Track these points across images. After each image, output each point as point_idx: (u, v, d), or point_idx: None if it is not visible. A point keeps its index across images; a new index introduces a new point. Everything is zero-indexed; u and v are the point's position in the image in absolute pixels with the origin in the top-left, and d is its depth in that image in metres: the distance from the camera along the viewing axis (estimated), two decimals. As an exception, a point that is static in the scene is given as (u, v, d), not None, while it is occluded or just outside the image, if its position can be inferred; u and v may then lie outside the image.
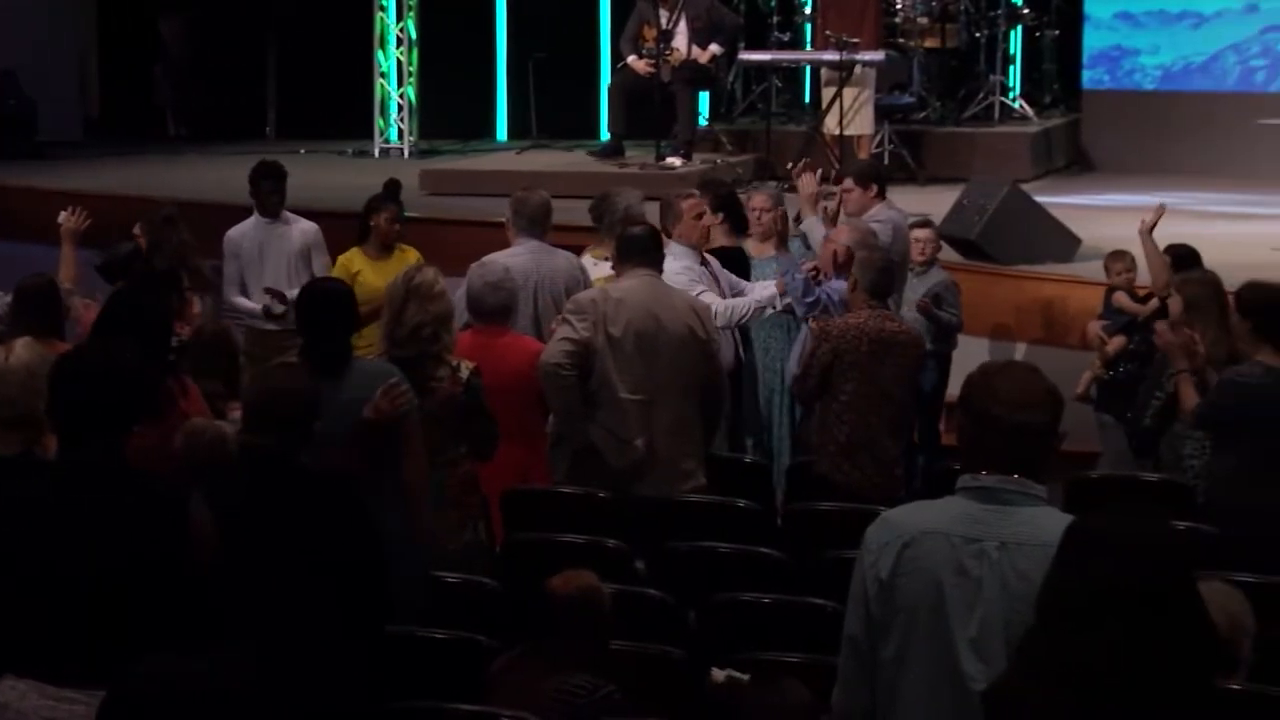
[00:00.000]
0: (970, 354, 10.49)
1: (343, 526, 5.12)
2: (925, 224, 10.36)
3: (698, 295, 8.44)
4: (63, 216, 9.03)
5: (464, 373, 6.91)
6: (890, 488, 7.88)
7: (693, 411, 7.70)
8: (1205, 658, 3.32)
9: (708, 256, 8.99)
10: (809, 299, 8.46)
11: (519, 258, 8.54)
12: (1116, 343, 9.38)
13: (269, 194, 10.29)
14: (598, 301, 7.65)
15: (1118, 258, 9.68)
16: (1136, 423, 8.07)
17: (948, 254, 11.44)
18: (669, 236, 8.80)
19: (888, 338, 7.92)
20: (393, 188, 10.34)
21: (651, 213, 9.09)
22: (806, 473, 8.20)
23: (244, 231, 10.28)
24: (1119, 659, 3.22)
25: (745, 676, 5.44)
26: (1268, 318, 7.26)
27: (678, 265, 8.65)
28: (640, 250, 7.81)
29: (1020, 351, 10.88)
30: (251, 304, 10.04)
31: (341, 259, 9.96)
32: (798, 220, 9.84)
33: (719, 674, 5.54)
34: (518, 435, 7.67)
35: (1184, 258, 8.92)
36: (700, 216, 8.86)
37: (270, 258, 10.18)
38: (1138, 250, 9.23)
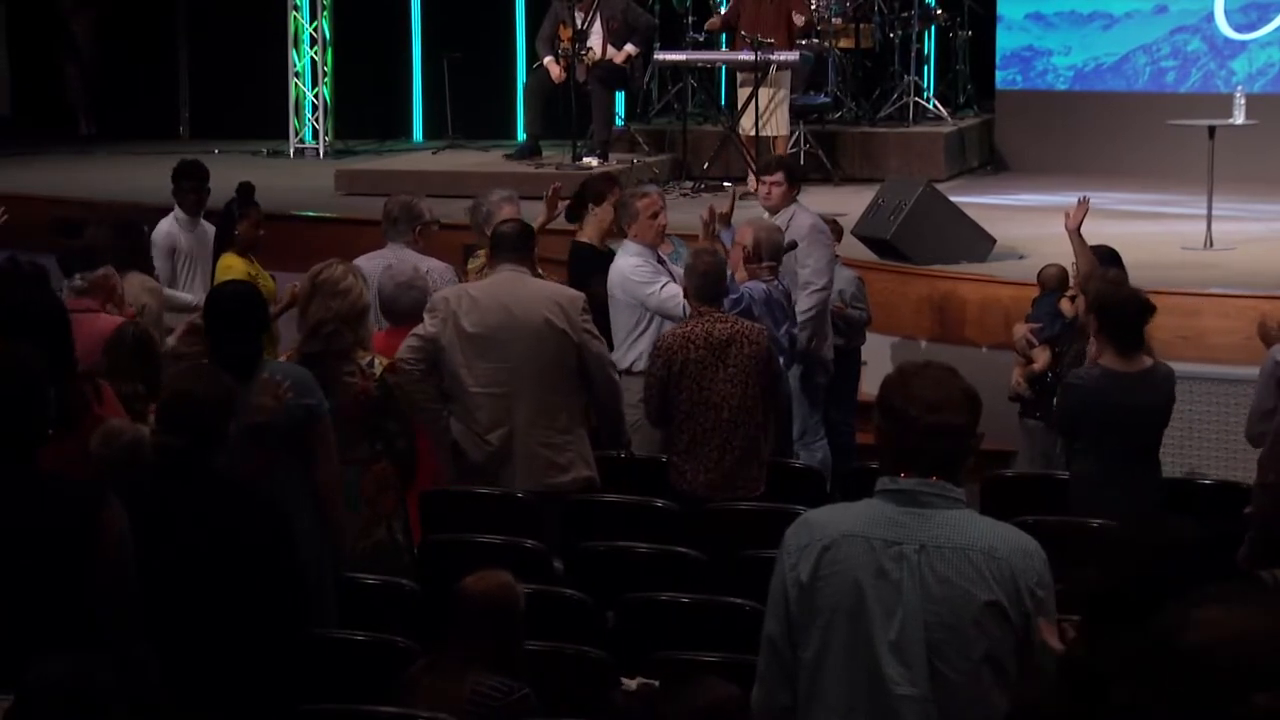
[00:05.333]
0: (883, 353, 10.57)
1: (254, 529, 5.09)
2: (828, 221, 10.35)
3: (660, 288, 8.52)
4: None
5: (376, 369, 6.87)
6: (745, 484, 7.86)
7: (563, 404, 7.70)
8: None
9: (663, 255, 9.08)
10: (734, 295, 8.48)
11: (371, 260, 8.73)
12: (1043, 358, 9.35)
13: (186, 193, 10.21)
14: (449, 299, 7.73)
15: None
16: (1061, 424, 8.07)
17: (863, 252, 11.50)
18: (624, 234, 8.92)
19: (720, 339, 7.86)
20: (246, 191, 10.12)
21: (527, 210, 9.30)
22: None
23: (172, 229, 10.14)
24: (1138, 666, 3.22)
25: (655, 683, 5.46)
26: (1107, 319, 7.37)
27: (633, 261, 8.76)
28: (507, 246, 7.87)
29: (934, 351, 10.94)
30: (189, 296, 9.89)
31: (226, 264, 9.62)
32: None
33: (631, 684, 5.56)
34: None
35: (1106, 258, 8.95)
36: (656, 215, 9.01)
37: (195, 258, 10.10)
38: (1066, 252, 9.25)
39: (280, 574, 5.11)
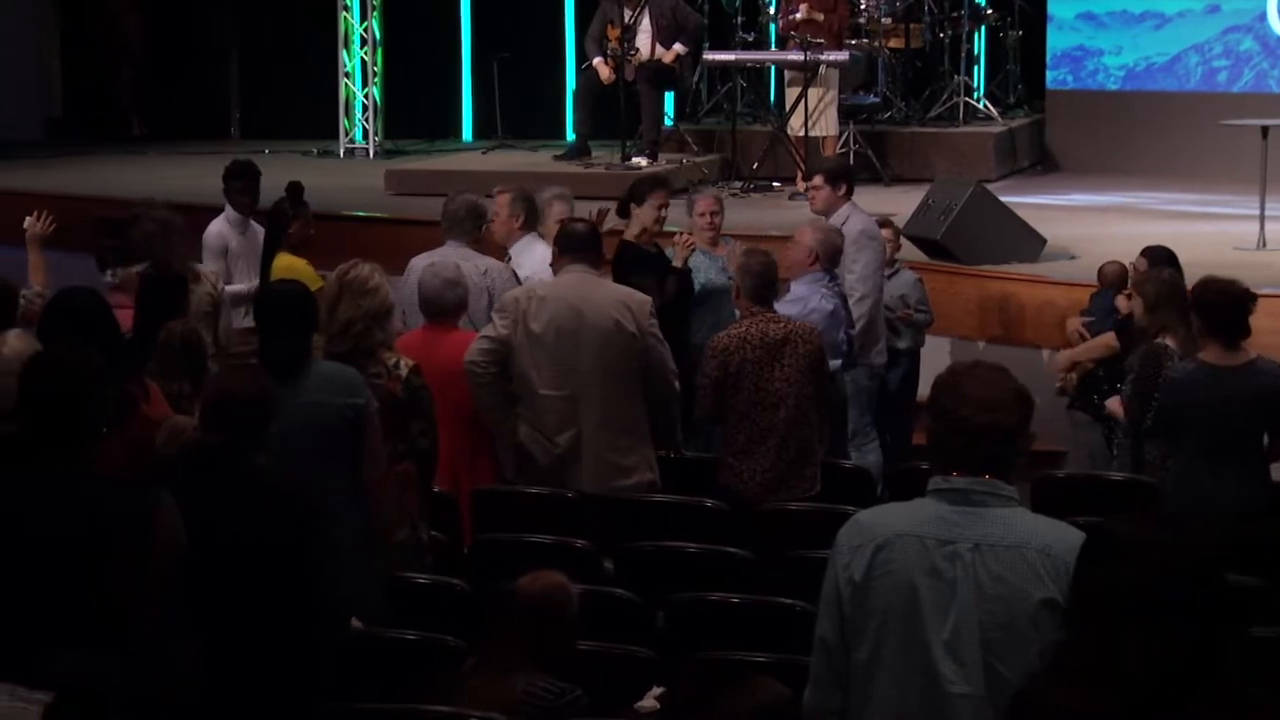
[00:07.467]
0: (935, 353, 10.54)
1: (280, 529, 5.09)
2: (885, 223, 10.34)
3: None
4: (28, 222, 8.88)
5: (402, 370, 6.86)
6: (799, 484, 7.84)
7: (630, 407, 7.69)
8: (1246, 663, 3.32)
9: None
10: (809, 305, 8.57)
11: (429, 259, 8.68)
12: (1104, 345, 9.26)
13: (240, 194, 10.23)
14: (520, 299, 7.71)
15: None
16: (1137, 424, 7.99)
17: (912, 253, 11.47)
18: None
19: (774, 340, 7.84)
20: (296, 191, 10.03)
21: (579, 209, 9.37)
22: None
23: (224, 230, 10.17)
24: (1161, 666, 3.22)
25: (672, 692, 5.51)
26: (1217, 315, 7.31)
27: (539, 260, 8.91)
28: (575, 246, 7.86)
29: (985, 351, 10.91)
30: (245, 286, 9.88)
31: (286, 263, 9.53)
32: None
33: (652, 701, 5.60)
34: (463, 422, 7.68)
35: (1161, 259, 8.92)
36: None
37: (242, 257, 10.13)
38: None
39: (307, 574, 5.10)
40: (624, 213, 9.67)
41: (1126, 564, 3.30)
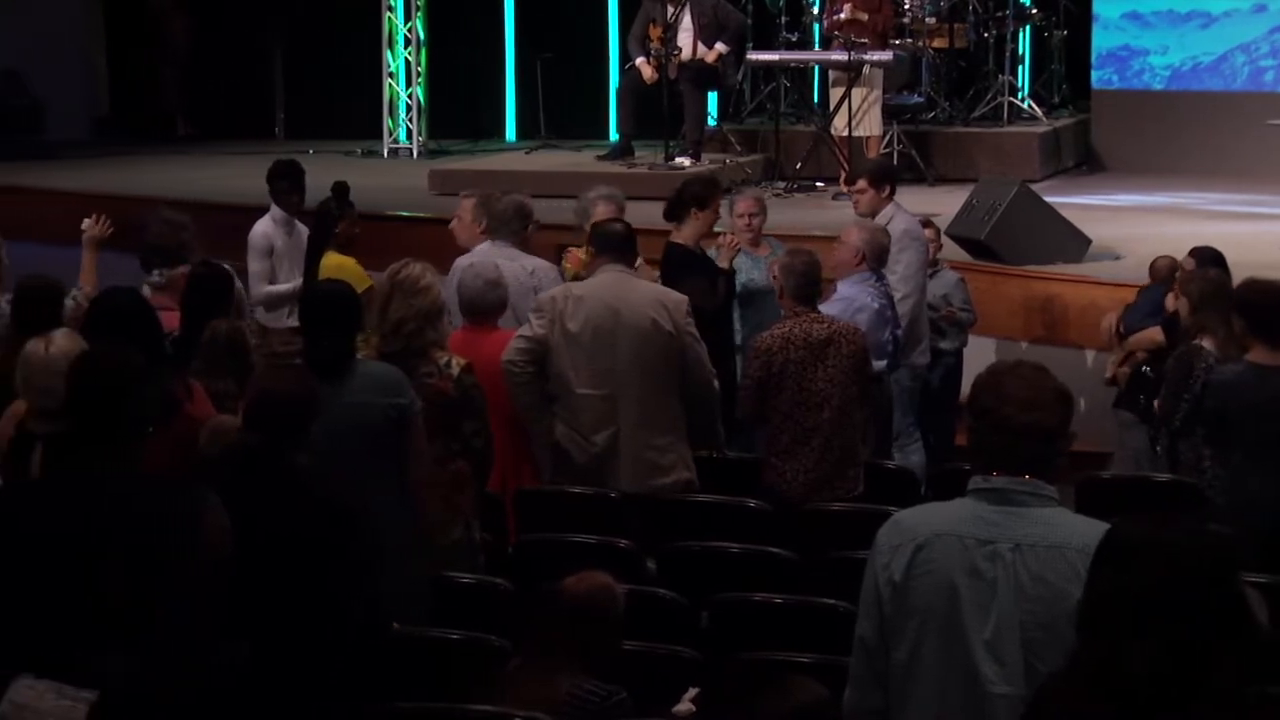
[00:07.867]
0: (978, 353, 10.51)
1: (318, 528, 5.11)
2: (926, 223, 10.31)
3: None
4: (86, 224, 8.86)
5: (454, 369, 6.87)
6: (843, 485, 7.83)
7: (667, 406, 7.70)
8: (1251, 663, 3.31)
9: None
10: (856, 305, 8.55)
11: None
12: (1150, 339, 9.21)
13: (289, 194, 10.25)
14: (556, 299, 7.72)
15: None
16: (1167, 424, 7.98)
17: (956, 253, 11.44)
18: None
19: (817, 340, 7.84)
20: (342, 190, 9.90)
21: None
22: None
23: (269, 230, 10.18)
24: (1165, 667, 3.21)
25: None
26: (1260, 315, 7.27)
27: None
28: (611, 245, 7.87)
29: (1028, 351, 10.88)
30: (288, 286, 9.94)
31: (335, 262, 9.41)
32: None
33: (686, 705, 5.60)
34: (504, 422, 7.69)
35: (1209, 260, 8.87)
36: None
37: (287, 257, 10.15)
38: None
39: (345, 574, 5.11)
40: (670, 216, 9.61)
41: (1136, 565, 3.30)
